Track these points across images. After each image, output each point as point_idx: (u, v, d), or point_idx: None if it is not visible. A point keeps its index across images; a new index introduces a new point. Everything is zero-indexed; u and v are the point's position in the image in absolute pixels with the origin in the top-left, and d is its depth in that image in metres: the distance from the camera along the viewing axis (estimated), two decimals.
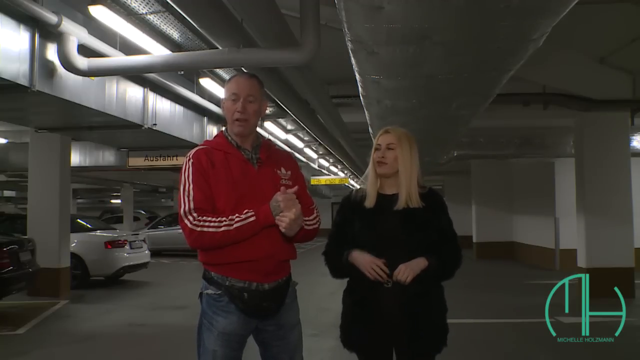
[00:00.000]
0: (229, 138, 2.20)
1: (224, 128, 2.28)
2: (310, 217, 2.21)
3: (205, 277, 2.16)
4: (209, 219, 2.02)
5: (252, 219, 2.02)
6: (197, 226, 2.01)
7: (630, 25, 6.52)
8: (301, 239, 2.19)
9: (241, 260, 2.06)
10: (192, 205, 2.04)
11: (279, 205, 2.02)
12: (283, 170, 2.23)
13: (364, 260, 2.23)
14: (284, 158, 2.31)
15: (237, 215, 2.02)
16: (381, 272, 2.19)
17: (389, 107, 5.54)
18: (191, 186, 2.07)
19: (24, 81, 4.85)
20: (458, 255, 2.34)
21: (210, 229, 2.00)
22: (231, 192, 2.07)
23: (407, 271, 2.16)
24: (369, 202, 2.34)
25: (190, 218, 2.02)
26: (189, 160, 2.13)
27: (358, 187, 2.48)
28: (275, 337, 2.18)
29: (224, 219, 2.01)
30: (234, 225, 2.00)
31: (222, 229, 2.00)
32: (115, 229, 12.35)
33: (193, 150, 2.16)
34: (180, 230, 2.10)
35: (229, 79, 2.24)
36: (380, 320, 2.26)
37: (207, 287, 2.13)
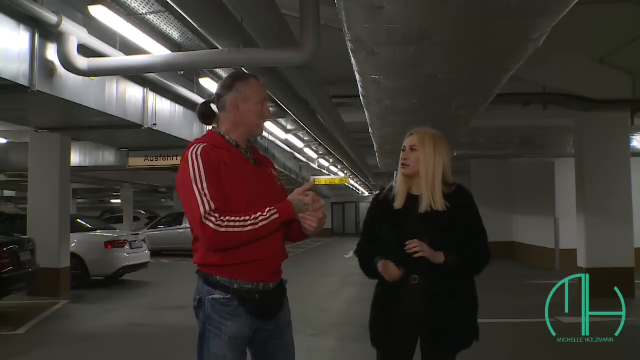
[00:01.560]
0: (227, 137, 2.17)
1: (211, 127, 2.26)
2: None
3: (208, 282, 2.07)
4: (233, 218, 1.97)
5: (275, 216, 2.00)
6: (222, 227, 1.94)
7: (630, 25, 6.53)
8: (295, 239, 2.22)
9: (250, 260, 2.04)
10: (212, 205, 1.96)
11: (307, 207, 2.03)
12: (273, 171, 2.28)
13: (382, 271, 2.29)
14: (269, 160, 2.35)
15: (260, 214, 1.99)
16: (394, 273, 2.25)
17: (389, 107, 5.54)
18: (205, 185, 1.98)
19: (24, 81, 4.85)
20: (484, 252, 2.35)
21: (237, 229, 1.96)
22: (243, 190, 2.06)
23: (419, 246, 2.20)
24: (398, 203, 2.37)
25: (213, 219, 1.95)
26: (196, 157, 2.02)
27: (389, 185, 2.50)
28: (274, 335, 2.17)
29: (247, 217, 1.98)
30: (259, 224, 1.98)
31: (248, 228, 1.97)
32: (115, 229, 12.35)
33: (198, 147, 2.06)
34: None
35: (245, 81, 2.18)
36: (401, 317, 2.30)
37: (212, 292, 2.06)
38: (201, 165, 2.01)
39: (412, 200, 2.36)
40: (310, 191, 2.08)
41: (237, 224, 1.96)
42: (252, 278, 2.06)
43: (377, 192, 2.56)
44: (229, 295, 2.05)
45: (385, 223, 2.38)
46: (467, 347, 2.34)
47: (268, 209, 2.00)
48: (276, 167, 2.39)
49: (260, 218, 1.99)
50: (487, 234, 2.38)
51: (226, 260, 2.04)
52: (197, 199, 1.97)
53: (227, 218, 1.96)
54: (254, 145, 2.30)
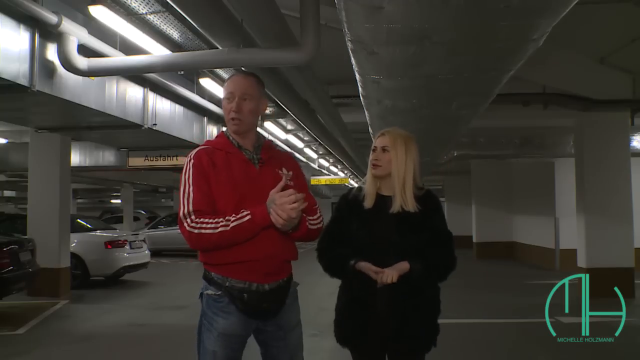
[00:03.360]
0: (230, 138, 2.20)
1: (224, 128, 2.28)
2: (314, 217, 2.21)
3: (205, 277, 2.15)
4: (206, 220, 2.00)
5: (247, 217, 1.99)
6: (195, 228, 2.00)
7: (630, 25, 6.52)
8: (304, 238, 2.18)
9: (242, 260, 2.05)
10: (190, 208, 2.02)
11: (276, 204, 1.99)
12: (285, 170, 2.21)
13: (369, 270, 2.25)
14: (285, 159, 2.30)
15: (233, 215, 2.00)
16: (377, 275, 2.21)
17: (389, 107, 5.54)
18: (191, 188, 2.05)
19: (24, 81, 4.85)
20: (449, 258, 2.33)
21: (208, 231, 1.99)
22: (232, 192, 2.06)
23: (391, 273, 2.18)
24: (368, 203, 2.36)
25: (189, 220, 2.01)
26: (189, 160, 2.11)
27: (357, 185, 2.47)
28: (275, 337, 2.17)
29: (220, 219, 2.00)
30: (231, 225, 1.99)
31: (219, 229, 1.99)
32: (115, 229, 12.35)
33: (194, 151, 2.15)
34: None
35: (227, 78, 2.24)
36: (371, 317, 2.29)
37: (207, 288, 2.12)
38: (190, 169, 2.08)
39: (382, 200, 2.35)
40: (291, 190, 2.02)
41: (210, 225, 1.99)
42: (244, 277, 2.07)
43: (346, 191, 2.55)
44: (220, 292, 2.08)
45: (354, 222, 2.36)
46: (427, 351, 2.33)
47: (242, 210, 2.01)
48: (293, 164, 2.30)
49: (232, 219, 1.99)
50: (453, 239, 2.38)
51: (217, 260, 2.08)
52: (180, 200, 2.06)
53: (201, 220, 2.00)
54: (268, 143, 2.28)
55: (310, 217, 2.18)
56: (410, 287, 2.24)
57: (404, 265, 2.22)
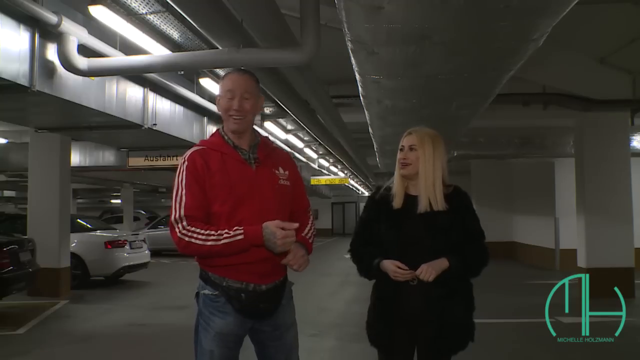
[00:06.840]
0: (226, 137, 2.17)
1: (220, 127, 2.26)
2: (307, 229, 2.24)
3: (202, 277, 2.14)
4: (198, 230, 1.98)
5: (240, 237, 1.97)
6: (186, 236, 1.99)
7: (630, 25, 6.53)
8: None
9: (237, 262, 2.05)
10: (182, 213, 2.01)
11: (276, 242, 1.95)
12: (281, 170, 2.20)
13: (389, 269, 2.26)
14: (282, 157, 2.28)
15: (226, 231, 1.98)
16: (404, 273, 2.22)
17: (389, 107, 5.54)
18: (184, 191, 2.03)
19: (24, 81, 4.85)
20: (483, 254, 2.34)
21: (198, 242, 1.98)
22: (228, 195, 2.05)
23: (429, 270, 2.18)
24: (396, 203, 2.35)
25: (180, 227, 2.00)
26: (183, 163, 2.09)
27: (385, 185, 2.47)
28: (272, 337, 2.18)
29: (212, 233, 1.97)
30: (222, 242, 1.97)
31: (209, 243, 1.97)
32: (115, 229, 12.35)
33: (188, 152, 2.12)
34: None
35: (224, 76, 2.21)
36: (400, 317, 2.29)
37: (204, 287, 2.12)
38: (184, 172, 2.07)
39: (411, 200, 2.34)
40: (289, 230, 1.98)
41: (200, 237, 1.98)
42: (241, 278, 2.08)
43: (373, 191, 2.54)
44: (217, 292, 2.09)
45: (383, 223, 2.36)
46: (463, 349, 2.35)
47: (236, 227, 1.99)
48: (290, 163, 2.29)
49: (224, 235, 1.98)
50: (485, 235, 2.38)
51: (213, 261, 2.08)
52: (172, 203, 2.04)
53: (193, 229, 1.99)
54: (265, 141, 2.26)
55: (304, 232, 2.21)
56: (445, 291, 2.24)
57: (443, 264, 2.21)
